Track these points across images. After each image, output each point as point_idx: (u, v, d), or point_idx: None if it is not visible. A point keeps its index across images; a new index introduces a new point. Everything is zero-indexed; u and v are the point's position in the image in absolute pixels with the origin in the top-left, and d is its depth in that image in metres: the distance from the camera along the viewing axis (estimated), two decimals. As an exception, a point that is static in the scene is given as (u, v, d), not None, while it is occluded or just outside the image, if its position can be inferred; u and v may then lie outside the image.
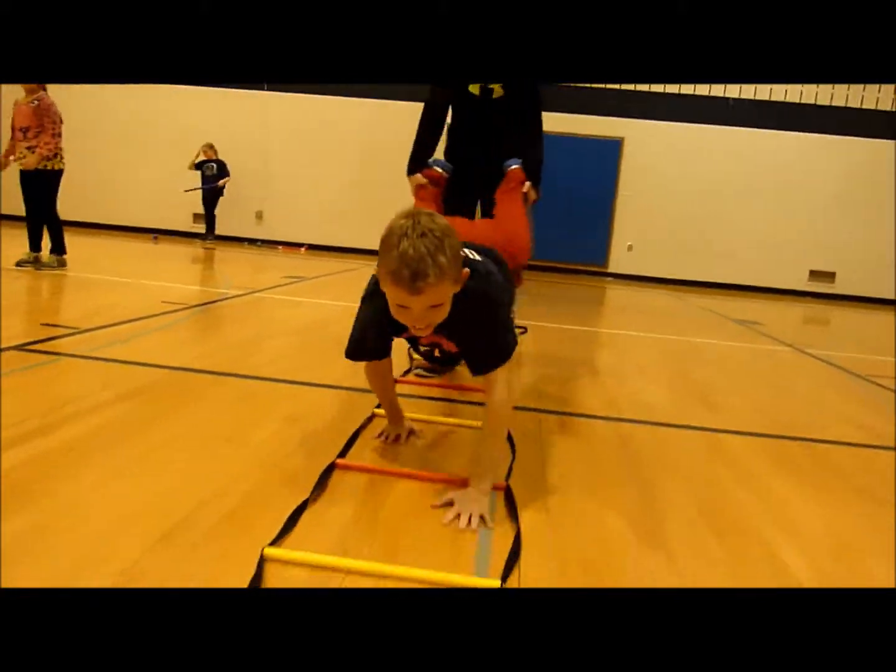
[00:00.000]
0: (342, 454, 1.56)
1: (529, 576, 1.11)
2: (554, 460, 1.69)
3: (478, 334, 1.42)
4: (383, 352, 1.56)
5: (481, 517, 1.29)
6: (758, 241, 9.46)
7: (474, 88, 2.47)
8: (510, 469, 1.55)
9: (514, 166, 2.45)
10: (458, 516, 1.29)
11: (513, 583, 1.08)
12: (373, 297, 1.42)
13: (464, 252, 1.38)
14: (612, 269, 9.74)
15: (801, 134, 9.27)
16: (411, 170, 2.46)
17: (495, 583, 1.07)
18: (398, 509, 1.34)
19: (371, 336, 1.50)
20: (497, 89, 2.46)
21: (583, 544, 1.25)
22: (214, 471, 1.43)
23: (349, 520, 1.27)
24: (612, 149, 9.52)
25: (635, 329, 4.65)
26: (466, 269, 1.33)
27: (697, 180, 9.45)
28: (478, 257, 1.52)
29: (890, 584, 1.21)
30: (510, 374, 1.48)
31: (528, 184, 2.38)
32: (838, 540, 1.39)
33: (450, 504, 1.33)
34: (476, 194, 2.62)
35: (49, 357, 2.28)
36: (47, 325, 2.78)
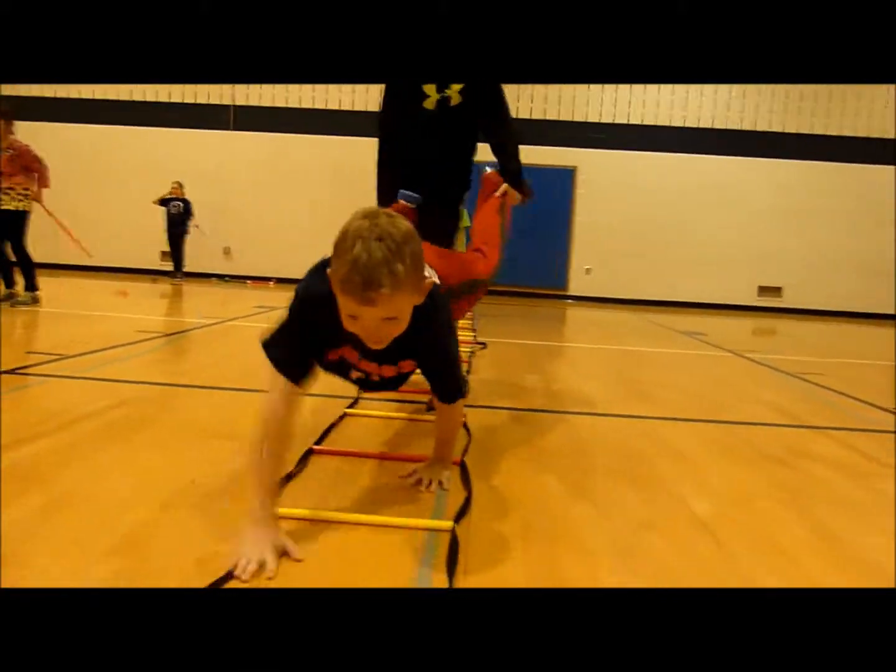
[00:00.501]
0: (318, 443, 1.77)
1: (479, 524, 1.34)
2: (504, 443, 1.93)
3: (439, 361, 1.41)
4: (304, 370, 1.29)
5: (440, 482, 1.52)
6: (708, 260, 9.94)
7: (429, 104, 2.24)
8: (465, 449, 1.78)
9: (487, 170, 2.28)
10: (419, 481, 1.52)
11: (464, 526, 1.30)
12: (311, 290, 1.28)
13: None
14: (572, 291, 10.11)
15: (743, 158, 9.84)
16: (381, 204, 2.26)
17: (448, 524, 1.28)
18: (368, 479, 1.56)
19: (297, 341, 1.29)
20: (454, 96, 2.24)
21: (523, 499, 1.48)
22: (204, 458, 1.64)
23: (327, 486, 1.49)
24: (566, 177, 9.97)
25: (586, 342, 4.95)
26: (431, 279, 1.24)
27: (649, 205, 9.93)
28: (436, 280, 1.40)
29: (772, 516, 1.47)
30: None
31: (503, 186, 2.23)
32: (740, 490, 1.65)
33: (414, 473, 1.56)
34: (445, 214, 2.39)
35: (38, 378, 2.45)
36: (32, 352, 2.95)
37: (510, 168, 2.28)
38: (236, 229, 10.12)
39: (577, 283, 10.12)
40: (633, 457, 1.88)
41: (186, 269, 9.39)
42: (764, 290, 10.03)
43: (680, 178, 9.88)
